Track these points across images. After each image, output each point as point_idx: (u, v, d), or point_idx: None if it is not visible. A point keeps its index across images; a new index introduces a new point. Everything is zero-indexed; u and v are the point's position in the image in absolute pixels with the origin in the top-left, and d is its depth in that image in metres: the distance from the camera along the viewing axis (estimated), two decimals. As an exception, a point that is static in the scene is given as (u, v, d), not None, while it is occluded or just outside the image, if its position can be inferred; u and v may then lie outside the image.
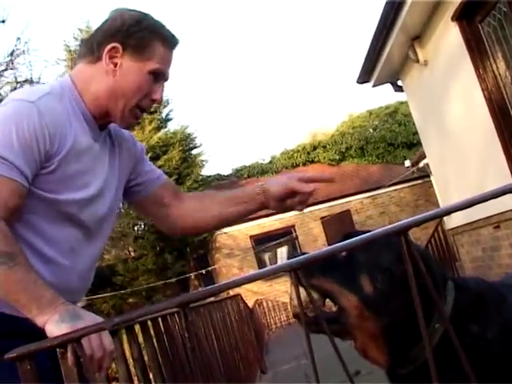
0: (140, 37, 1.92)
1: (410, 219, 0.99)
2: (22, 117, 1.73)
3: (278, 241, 20.61)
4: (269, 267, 1.04)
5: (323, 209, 21.65)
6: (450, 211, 0.99)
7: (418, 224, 0.95)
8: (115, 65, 1.91)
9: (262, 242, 20.92)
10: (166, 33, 1.99)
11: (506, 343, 1.42)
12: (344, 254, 1.59)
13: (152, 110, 21.43)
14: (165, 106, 22.59)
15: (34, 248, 1.81)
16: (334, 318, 1.53)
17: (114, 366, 2.02)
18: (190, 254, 21.26)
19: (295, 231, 21.34)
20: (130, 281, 18.92)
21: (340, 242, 1.50)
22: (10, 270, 1.61)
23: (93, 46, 1.94)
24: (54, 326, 1.56)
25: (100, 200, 1.98)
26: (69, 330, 1.46)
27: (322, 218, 21.46)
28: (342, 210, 21.77)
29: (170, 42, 2.00)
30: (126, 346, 1.98)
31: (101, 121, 1.98)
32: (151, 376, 2.05)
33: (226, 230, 20.81)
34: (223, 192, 2.32)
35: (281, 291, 19.28)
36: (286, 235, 21.14)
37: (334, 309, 1.55)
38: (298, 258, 1.01)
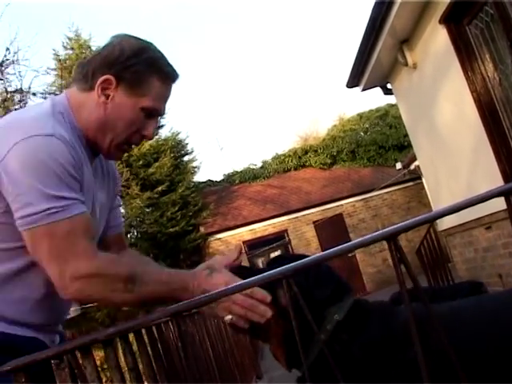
0: (136, 71, 1.83)
1: (397, 225, 1.00)
2: (54, 152, 1.64)
3: (270, 246, 20.60)
4: (261, 275, 1.06)
5: (316, 213, 21.67)
6: (437, 217, 1.00)
7: (406, 230, 0.96)
8: (107, 97, 1.84)
9: (255, 247, 20.90)
10: (166, 68, 1.90)
11: (367, 351, 1.68)
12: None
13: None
14: (156, 113, 22.59)
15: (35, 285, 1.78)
16: (255, 323, 1.75)
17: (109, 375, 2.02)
18: (184, 261, 21.23)
19: (288, 236, 21.34)
20: (124, 289, 18.85)
21: (268, 266, 1.90)
22: (142, 284, 1.66)
23: (88, 74, 1.86)
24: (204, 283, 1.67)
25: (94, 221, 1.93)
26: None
27: (314, 221, 21.48)
28: (335, 213, 21.80)
29: (168, 77, 1.92)
30: (120, 355, 1.98)
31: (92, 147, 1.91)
32: (146, 385, 2.05)
33: (219, 235, 20.82)
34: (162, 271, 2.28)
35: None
36: (278, 240, 21.13)
37: None
38: (289, 265, 1.03)
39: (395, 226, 0.98)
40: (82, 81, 1.88)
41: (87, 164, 1.85)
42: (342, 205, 22.10)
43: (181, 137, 22.96)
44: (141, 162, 19.99)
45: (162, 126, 23.00)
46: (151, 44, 1.93)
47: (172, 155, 21.08)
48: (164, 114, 1.95)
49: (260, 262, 20.86)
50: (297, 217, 21.54)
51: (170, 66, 1.92)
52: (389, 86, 9.57)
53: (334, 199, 22.09)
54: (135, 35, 1.94)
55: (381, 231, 1.00)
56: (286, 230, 21.38)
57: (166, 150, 20.96)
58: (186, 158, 23.09)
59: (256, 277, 1.21)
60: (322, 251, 1.18)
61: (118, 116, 1.84)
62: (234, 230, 21.05)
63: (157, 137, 22.14)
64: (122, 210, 20.41)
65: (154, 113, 1.90)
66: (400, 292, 1.10)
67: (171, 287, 1.68)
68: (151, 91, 1.85)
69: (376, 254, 21.33)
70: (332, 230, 20.98)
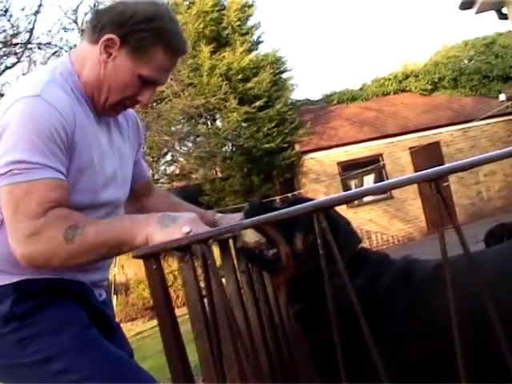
0: (142, 38, 1.81)
1: (443, 167, 1.04)
2: (35, 116, 1.69)
3: (364, 169, 20.41)
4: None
5: (412, 139, 21.23)
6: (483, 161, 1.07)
7: (447, 174, 1.03)
8: (109, 55, 1.83)
9: (349, 168, 20.66)
10: (174, 40, 1.87)
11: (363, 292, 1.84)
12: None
13: (243, 31, 21.34)
14: (256, 28, 22.35)
15: None
16: (269, 259, 1.98)
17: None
18: (277, 177, 21.32)
19: (383, 160, 21.02)
20: (217, 201, 19.08)
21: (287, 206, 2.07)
22: (83, 231, 1.61)
23: (96, 26, 1.85)
24: (160, 233, 1.54)
25: (114, 181, 1.97)
26: (177, 230, 1.51)
27: (410, 148, 21.06)
28: (432, 141, 21.34)
29: (174, 51, 1.89)
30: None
31: None
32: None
33: (313, 155, 20.81)
34: (186, 204, 2.37)
35: (365, 219, 19.40)
36: (373, 163, 20.77)
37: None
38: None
39: (440, 168, 1.03)
40: (90, 31, 1.88)
41: (91, 119, 1.89)
42: (440, 133, 21.58)
43: (280, 53, 22.77)
44: (240, 76, 19.95)
45: (262, 41, 22.87)
46: (167, 12, 1.90)
47: (271, 71, 20.88)
48: (164, 83, 1.99)
49: (353, 185, 20.83)
50: (392, 142, 21.18)
51: (180, 39, 1.90)
52: (504, 10, 9.10)
53: (432, 127, 21.55)
54: None
55: (424, 171, 1.03)
56: (381, 154, 21.08)
57: (265, 66, 20.78)
58: (284, 75, 22.89)
59: (290, 208, 1.31)
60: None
61: (115, 77, 1.84)
62: (329, 150, 20.88)
63: (256, 52, 22.07)
64: (219, 123, 20.67)
65: (152, 82, 1.90)
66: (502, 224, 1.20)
67: (116, 237, 1.62)
68: (153, 61, 1.83)
69: (471, 186, 20.95)
70: (428, 157, 20.48)
